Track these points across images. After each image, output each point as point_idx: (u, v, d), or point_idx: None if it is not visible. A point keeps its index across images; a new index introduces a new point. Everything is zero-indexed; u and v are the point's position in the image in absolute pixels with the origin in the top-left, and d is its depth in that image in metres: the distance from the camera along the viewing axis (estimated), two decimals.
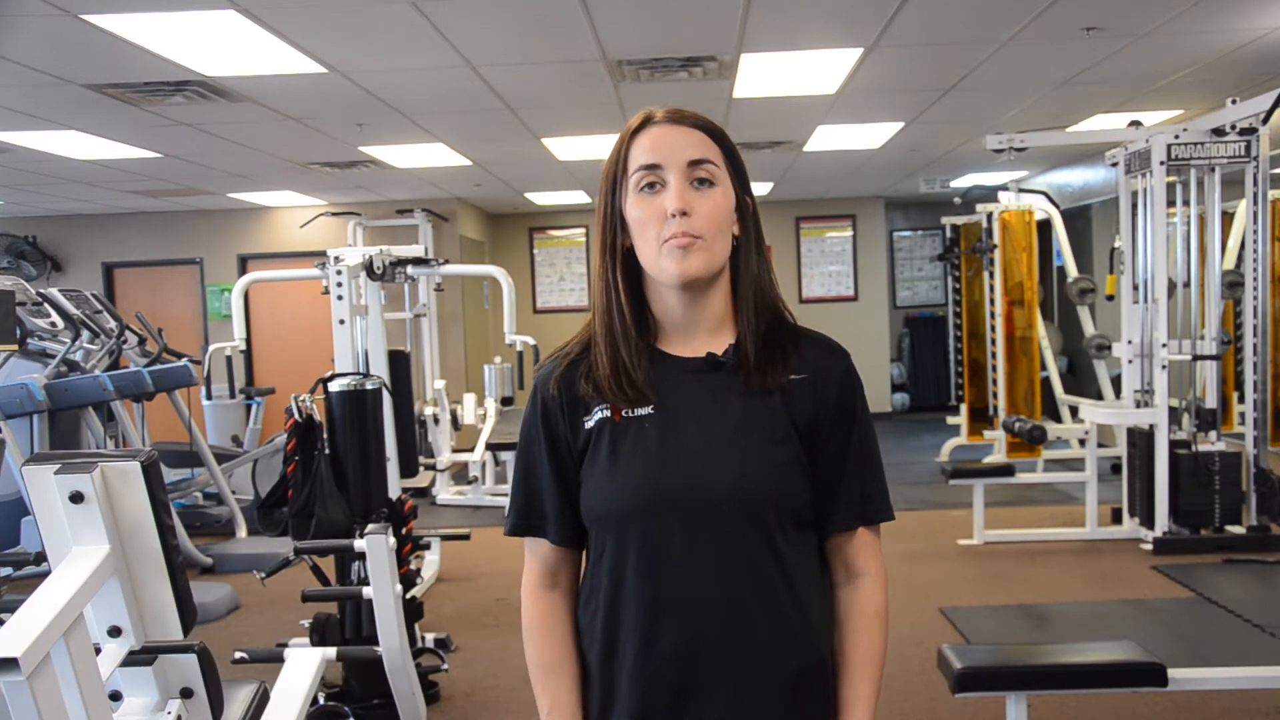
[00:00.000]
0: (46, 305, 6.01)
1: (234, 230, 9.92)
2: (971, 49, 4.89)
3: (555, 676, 1.39)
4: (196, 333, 9.93)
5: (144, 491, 1.80)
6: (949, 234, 8.67)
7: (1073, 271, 7.70)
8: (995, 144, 6.24)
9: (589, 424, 1.36)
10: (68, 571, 1.69)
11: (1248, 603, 4.62)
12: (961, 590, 5.06)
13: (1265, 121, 5.36)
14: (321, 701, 3.60)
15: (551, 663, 1.39)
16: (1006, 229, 7.65)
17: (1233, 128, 5.42)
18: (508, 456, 7.36)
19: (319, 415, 3.71)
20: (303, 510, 3.60)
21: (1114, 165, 6.11)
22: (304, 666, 2.39)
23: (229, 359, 5.37)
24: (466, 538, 4.93)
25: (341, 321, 4.36)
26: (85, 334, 6.00)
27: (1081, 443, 6.73)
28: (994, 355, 7.82)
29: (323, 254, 4.53)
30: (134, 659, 1.84)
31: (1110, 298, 6.87)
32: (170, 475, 6.78)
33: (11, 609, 1.79)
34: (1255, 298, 5.51)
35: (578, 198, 10.15)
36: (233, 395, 6.05)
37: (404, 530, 4.07)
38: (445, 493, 7.77)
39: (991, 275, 7.83)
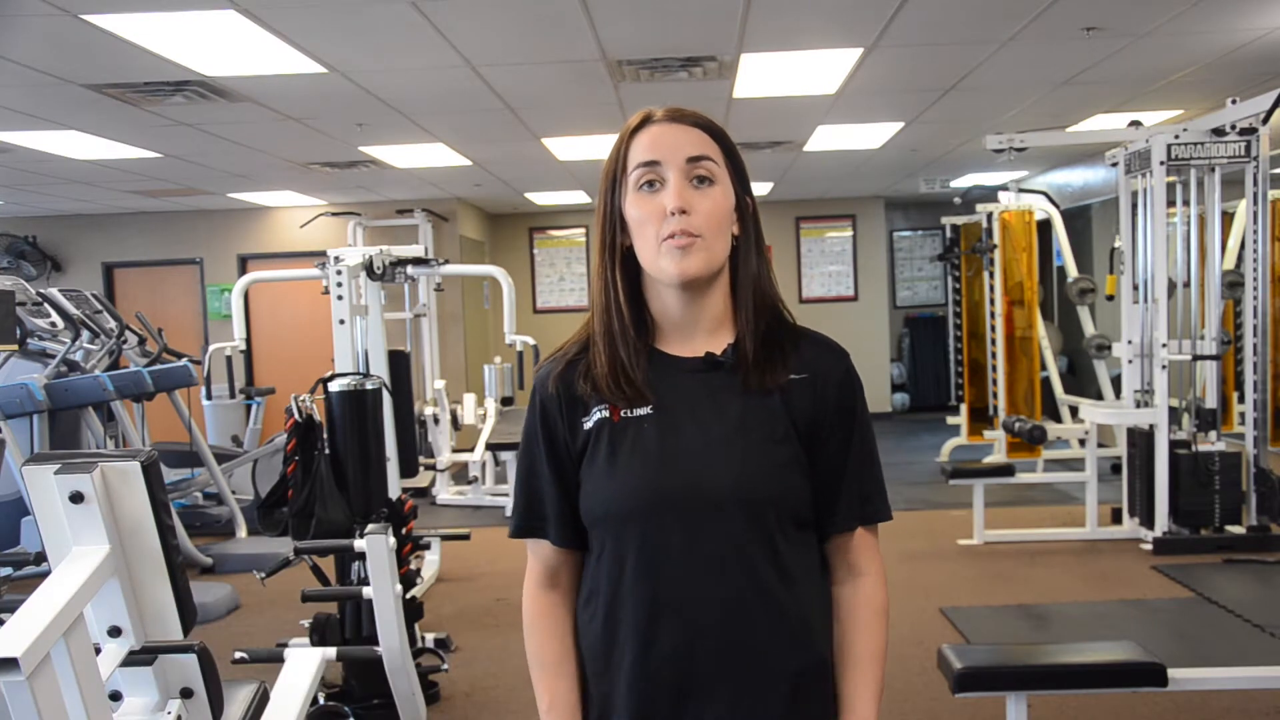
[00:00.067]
0: (46, 305, 6.01)
1: (234, 230, 9.92)
2: (971, 49, 4.89)
3: (555, 674, 1.39)
4: (196, 333, 9.93)
5: (144, 491, 1.80)
6: (949, 234, 8.67)
7: (1073, 271, 7.70)
8: (995, 144, 6.24)
9: (587, 425, 1.36)
10: (68, 571, 1.69)
11: (1248, 603, 4.62)
12: (961, 590, 5.06)
13: (1265, 121, 5.36)
14: (321, 701, 3.60)
15: (551, 660, 1.40)
16: (1006, 229, 7.65)
17: (1233, 128, 5.43)
18: (508, 456, 7.37)
19: (319, 415, 3.71)
20: (303, 510, 3.60)
21: (1114, 165, 6.11)
22: (304, 666, 2.39)
23: (229, 359, 5.37)
24: (466, 538, 4.93)
25: (341, 321, 4.36)
26: (85, 334, 6.00)
27: (1081, 443, 6.72)
28: (994, 355, 7.82)
29: (323, 254, 4.53)
30: (134, 659, 1.84)
31: (1110, 298, 6.87)
32: (170, 475, 6.78)
33: (11, 609, 1.79)
34: (1255, 298, 5.51)
35: (578, 198, 10.15)
36: (233, 395, 6.05)
37: (404, 530, 4.07)
38: (445, 493, 7.77)
39: (991, 275, 7.83)
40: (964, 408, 8.43)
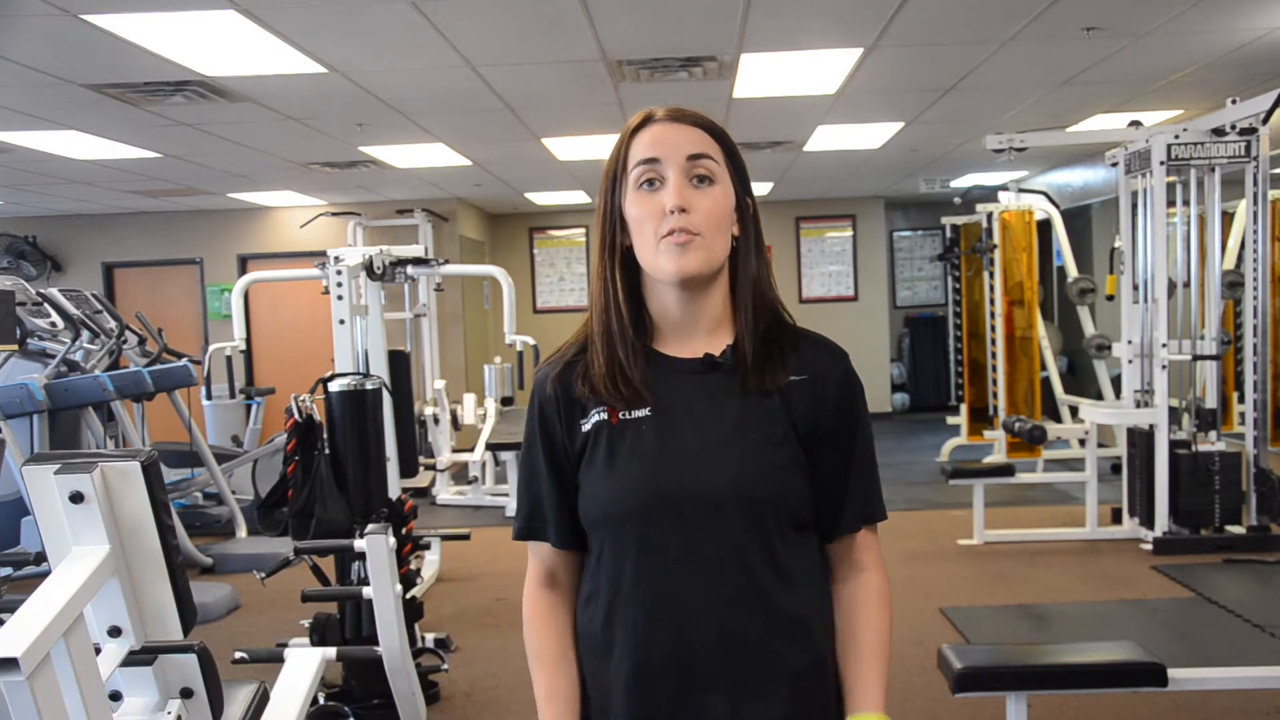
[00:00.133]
0: (46, 305, 6.01)
1: (234, 230, 9.92)
2: (971, 49, 4.89)
3: (554, 667, 1.39)
4: (196, 333, 9.93)
5: (144, 491, 1.80)
6: (949, 234, 8.67)
7: (1073, 271, 7.70)
8: (995, 144, 6.24)
9: (586, 427, 1.36)
10: (68, 571, 1.69)
11: (1248, 603, 4.62)
12: (961, 590, 5.06)
13: (1265, 121, 5.36)
14: (321, 701, 3.60)
15: (550, 654, 1.39)
16: (1006, 229, 7.65)
17: (1233, 128, 5.43)
18: (508, 456, 7.37)
19: (319, 415, 3.71)
20: (303, 510, 3.60)
21: (1114, 165, 6.11)
22: (304, 666, 2.39)
23: (229, 359, 5.37)
24: (466, 538, 4.93)
25: (341, 321, 4.36)
26: (85, 334, 6.01)
27: (1081, 443, 6.72)
28: (994, 355, 7.82)
29: (323, 254, 4.53)
30: (134, 659, 1.84)
31: (1110, 298, 6.87)
32: (170, 475, 6.78)
33: (11, 609, 1.79)
34: (1255, 298, 5.51)
35: (578, 198, 10.15)
36: (233, 395, 6.05)
37: (404, 530, 4.07)
38: (445, 493, 7.77)
39: (991, 275, 7.83)
40: (964, 408, 8.43)
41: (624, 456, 1.33)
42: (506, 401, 7.83)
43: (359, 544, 3.30)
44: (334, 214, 9.50)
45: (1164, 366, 5.67)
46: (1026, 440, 6.87)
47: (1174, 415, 5.67)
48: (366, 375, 3.94)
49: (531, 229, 11.53)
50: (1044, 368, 7.94)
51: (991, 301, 7.88)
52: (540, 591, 1.42)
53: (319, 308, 5.12)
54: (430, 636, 4.31)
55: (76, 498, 1.73)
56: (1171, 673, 2.60)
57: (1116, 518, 6.10)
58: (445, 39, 4.33)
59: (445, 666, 3.93)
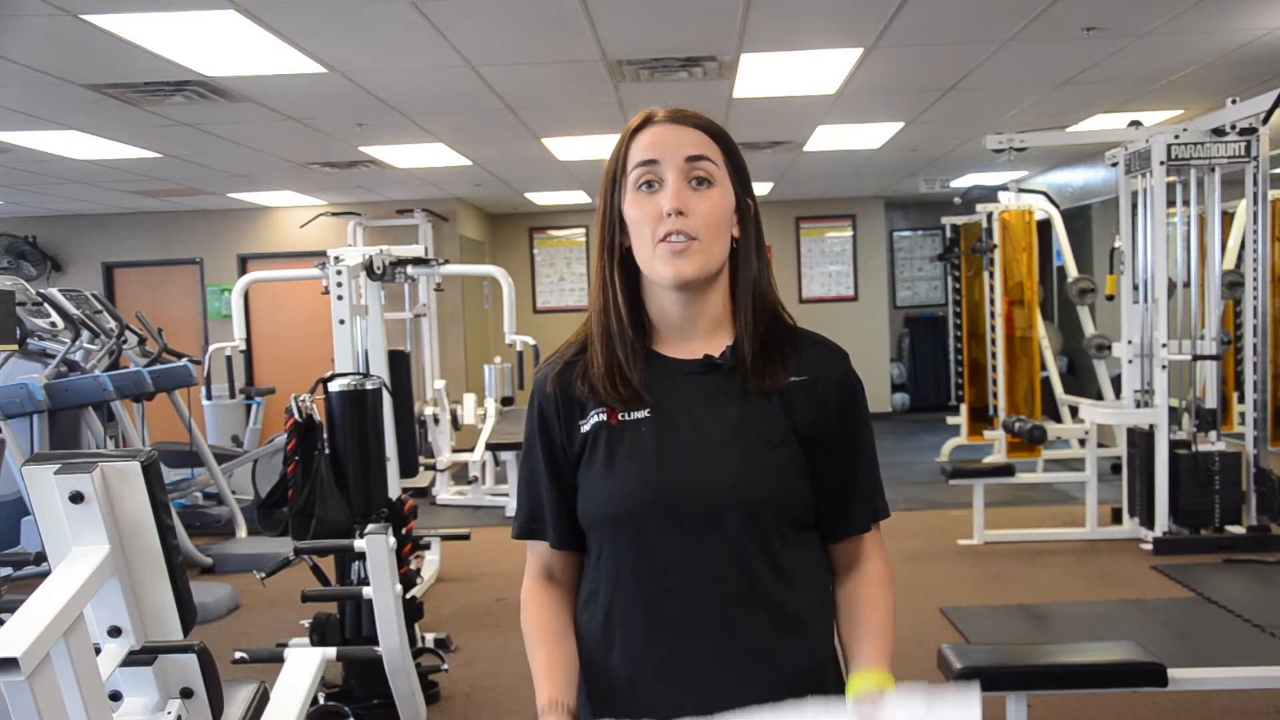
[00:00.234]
0: (46, 305, 6.01)
1: (234, 230, 9.92)
2: (971, 49, 4.89)
3: (551, 641, 1.36)
4: (196, 333, 9.93)
5: (144, 491, 1.80)
6: (949, 234, 8.67)
7: (1073, 271, 7.70)
8: (995, 144, 6.24)
9: (585, 428, 1.36)
10: (68, 571, 1.70)
11: (1248, 603, 4.62)
12: (961, 590, 5.06)
13: (1265, 121, 5.36)
14: (321, 701, 3.60)
15: (548, 631, 1.37)
16: (1006, 229, 7.65)
17: (1233, 128, 5.43)
18: (508, 456, 7.37)
19: (319, 415, 3.71)
20: (303, 510, 3.60)
21: (1114, 165, 6.11)
22: (304, 666, 2.39)
23: (229, 359, 5.37)
24: (466, 538, 4.93)
25: (341, 321, 4.36)
26: (85, 334, 6.01)
27: (1081, 443, 6.72)
28: (994, 355, 7.82)
29: (323, 254, 4.53)
30: (134, 659, 1.84)
31: (1110, 298, 6.87)
32: (170, 475, 6.78)
33: (11, 609, 1.79)
34: (1255, 298, 5.51)
35: (578, 198, 10.15)
36: (233, 395, 6.05)
37: (404, 530, 4.07)
38: (445, 493, 7.77)
39: (991, 275, 7.83)
40: (964, 408, 8.43)
41: (623, 458, 1.32)
42: (506, 401, 7.83)
43: (359, 544, 3.30)
44: (334, 214, 9.50)
45: (1164, 366, 5.67)
46: (1026, 440, 6.87)
47: (1174, 415, 5.67)
48: (366, 375, 3.95)
49: (531, 229, 11.53)
50: (1044, 368, 7.94)
51: (991, 301, 7.88)
52: (538, 584, 1.42)
53: (319, 308, 5.12)
54: (430, 636, 4.31)
55: (76, 498, 1.73)
56: (1171, 673, 2.60)
57: (1116, 518, 6.10)
58: (445, 39, 4.33)
59: (445, 666, 3.93)
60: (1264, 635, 4.18)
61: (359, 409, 3.77)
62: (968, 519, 6.05)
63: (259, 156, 6.99)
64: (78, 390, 5.44)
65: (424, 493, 7.74)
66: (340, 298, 4.35)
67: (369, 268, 4.54)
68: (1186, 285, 5.86)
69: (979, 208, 7.83)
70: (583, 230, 11.39)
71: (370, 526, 3.30)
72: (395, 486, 4.33)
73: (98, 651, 1.78)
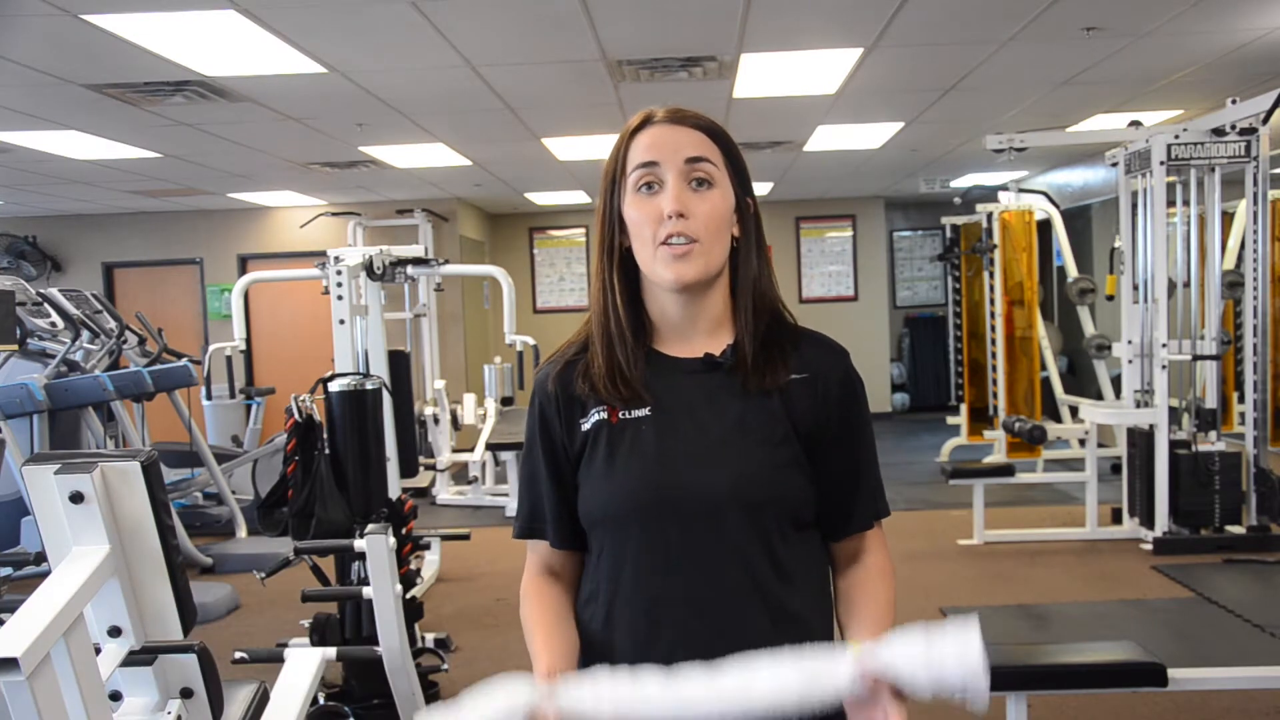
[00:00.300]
0: (46, 305, 6.01)
1: (234, 230, 9.92)
2: (971, 49, 4.89)
3: (550, 625, 1.35)
4: (196, 333, 9.93)
5: (144, 491, 1.80)
6: (949, 234, 8.67)
7: (1073, 271, 7.70)
8: (995, 144, 6.24)
9: (585, 426, 1.36)
10: (68, 571, 1.70)
11: (1248, 603, 4.62)
12: (961, 590, 5.06)
13: (1265, 121, 5.36)
14: (321, 701, 3.60)
15: (547, 616, 1.37)
16: (1006, 229, 7.65)
17: (1233, 128, 5.43)
18: (508, 456, 7.37)
19: (319, 415, 3.71)
20: (303, 510, 3.59)
21: (1114, 165, 6.11)
22: (304, 666, 2.39)
23: (229, 359, 5.37)
24: (466, 538, 4.93)
25: (341, 321, 4.36)
26: (85, 334, 6.01)
27: (1081, 443, 6.72)
28: (994, 355, 7.82)
29: (323, 254, 4.53)
30: (134, 659, 1.84)
31: (1110, 298, 6.87)
32: (170, 475, 6.78)
33: (11, 609, 1.79)
34: (1255, 298, 5.51)
35: (578, 198, 10.15)
36: (233, 395, 6.05)
37: (404, 530, 4.07)
38: (445, 493, 7.77)
39: (991, 275, 7.83)
40: (964, 408, 8.43)
41: (624, 456, 1.33)
42: (506, 401, 7.83)
43: (359, 544, 3.30)
44: (334, 214, 9.50)
45: (1164, 366, 5.67)
46: (1026, 440, 6.87)
47: (1174, 415, 5.67)
48: (366, 375, 3.94)
49: (531, 229, 11.53)
50: (1044, 368, 7.94)
51: (991, 301, 7.88)
52: (539, 578, 1.42)
53: (319, 308, 5.12)
54: (430, 636, 4.31)
55: (76, 498, 1.73)
56: (1171, 673, 2.60)
57: (1116, 518, 6.09)
58: (445, 39, 4.33)
59: (445, 666, 3.92)
60: (1264, 635, 4.18)
61: (359, 409, 3.77)
62: (968, 519, 6.05)
63: (259, 156, 6.99)
64: (78, 390, 5.44)
65: (424, 493, 7.74)
66: (340, 298, 4.35)
67: (369, 268, 4.54)
68: (1186, 285, 5.86)
69: (979, 208, 7.83)
70: (583, 230, 11.39)
71: (370, 526, 3.29)
72: (395, 486, 4.33)
73: (98, 651, 1.78)
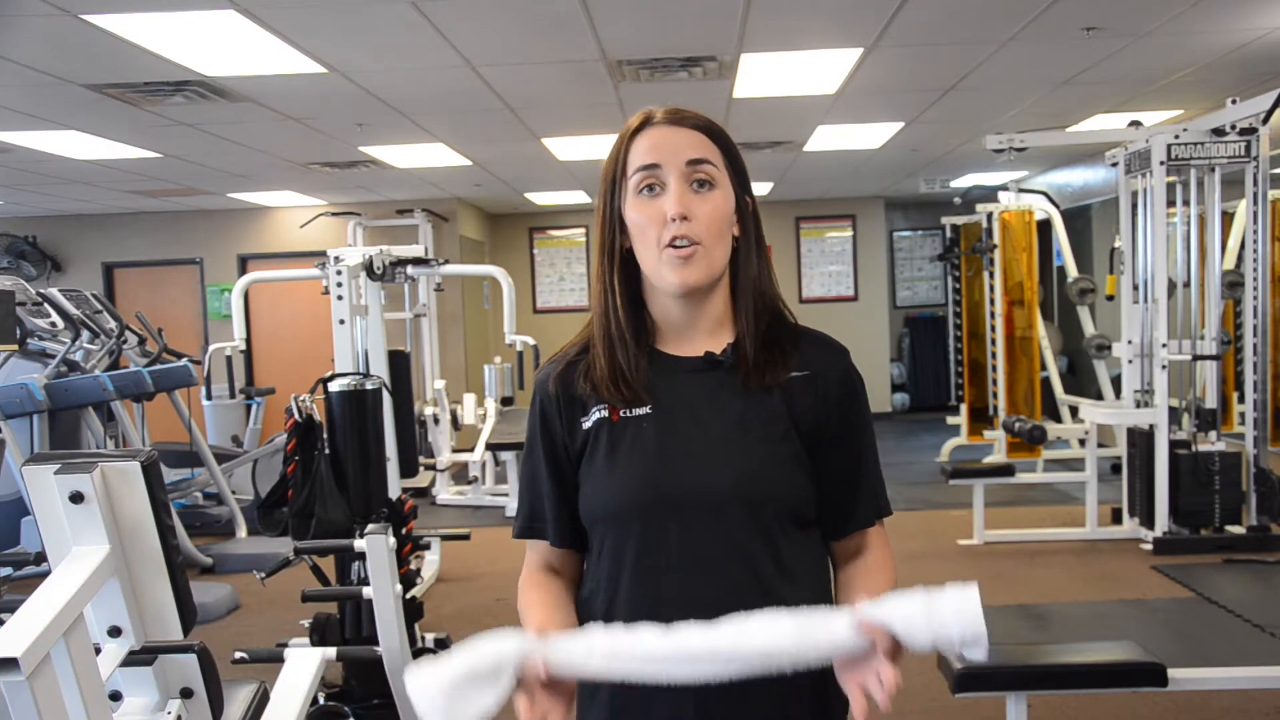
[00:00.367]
0: (46, 305, 6.01)
1: (234, 230, 9.92)
2: (971, 49, 4.89)
3: (548, 608, 1.35)
4: (196, 333, 9.93)
5: (144, 491, 1.80)
6: (949, 234, 8.67)
7: (1073, 271, 7.70)
8: (995, 144, 6.24)
9: (586, 425, 1.36)
10: (68, 571, 1.70)
11: (1248, 603, 4.61)
12: None
13: (1265, 121, 5.36)
14: (321, 701, 3.60)
15: (546, 601, 1.36)
16: (1006, 229, 7.65)
17: (1233, 128, 5.43)
18: (508, 456, 7.37)
19: (319, 415, 3.71)
20: (303, 510, 3.59)
21: (1114, 165, 6.11)
22: (304, 666, 2.39)
23: (229, 359, 5.37)
24: (466, 538, 4.93)
25: (341, 321, 4.36)
26: (85, 334, 6.01)
27: (1081, 443, 6.73)
28: (994, 355, 7.82)
29: (323, 254, 4.53)
30: (134, 659, 1.84)
31: (1110, 298, 6.87)
32: (170, 475, 6.78)
33: (11, 609, 1.79)
34: (1255, 298, 5.51)
35: (578, 198, 10.15)
36: (233, 395, 6.05)
37: (404, 530, 4.06)
38: (445, 493, 7.77)
39: (991, 275, 7.83)
40: (964, 408, 8.43)
41: (624, 454, 1.33)
42: (506, 401, 7.83)
43: (359, 544, 3.30)
44: (334, 214, 9.50)
45: (1164, 366, 5.67)
46: (1026, 440, 6.87)
47: (1174, 415, 5.67)
48: (366, 375, 3.94)
49: (531, 229, 11.53)
50: (1044, 368, 7.94)
51: (991, 301, 7.88)
52: (538, 572, 1.42)
53: (319, 308, 5.12)
54: (430, 636, 4.30)
55: (76, 498, 1.73)
56: (1171, 673, 2.60)
57: (1116, 518, 6.10)
58: (445, 39, 4.33)
59: None
60: (1264, 635, 4.18)
61: (359, 409, 3.77)
62: (968, 519, 6.05)
63: (259, 156, 6.99)
64: (78, 390, 5.44)
65: (424, 493, 7.74)
66: (340, 298, 4.36)
67: (369, 268, 4.54)
68: (1186, 285, 5.86)
69: (979, 208, 7.83)
70: (583, 230, 11.39)
71: (370, 526, 3.30)
72: (395, 486, 4.33)
73: (98, 651, 1.78)
